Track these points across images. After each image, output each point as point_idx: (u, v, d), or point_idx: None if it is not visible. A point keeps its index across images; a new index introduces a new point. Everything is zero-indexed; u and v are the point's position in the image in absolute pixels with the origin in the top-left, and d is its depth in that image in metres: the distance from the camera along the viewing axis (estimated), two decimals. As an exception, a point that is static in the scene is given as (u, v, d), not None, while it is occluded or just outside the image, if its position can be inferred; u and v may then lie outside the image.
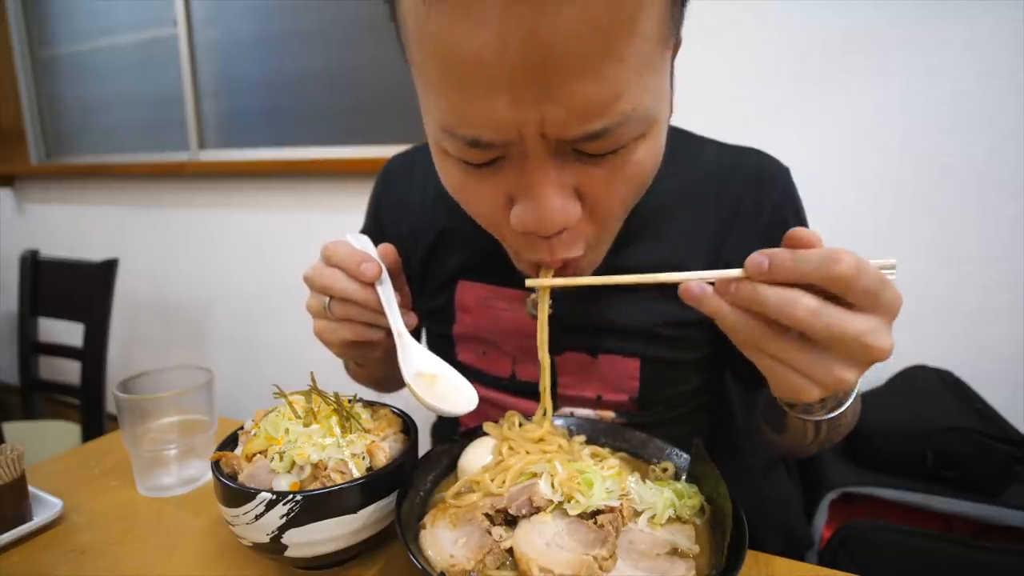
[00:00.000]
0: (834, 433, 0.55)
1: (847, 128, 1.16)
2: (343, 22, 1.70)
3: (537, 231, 0.43)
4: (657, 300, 0.61)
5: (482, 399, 0.69)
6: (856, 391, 0.49)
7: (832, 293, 0.35)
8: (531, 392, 0.66)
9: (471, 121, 0.39)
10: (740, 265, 0.38)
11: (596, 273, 0.59)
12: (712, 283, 0.39)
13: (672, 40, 0.42)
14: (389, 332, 0.53)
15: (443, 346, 0.71)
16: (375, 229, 0.75)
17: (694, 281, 0.39)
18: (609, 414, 0.64)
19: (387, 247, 0.55)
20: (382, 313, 0.52)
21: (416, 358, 0.52)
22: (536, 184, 0.41)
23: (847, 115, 1.16)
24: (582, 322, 0.62)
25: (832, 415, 0.49)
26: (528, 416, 0.56)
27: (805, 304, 0.35)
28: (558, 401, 0.66)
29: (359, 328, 0.53)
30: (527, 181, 0.41)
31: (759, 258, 0.36)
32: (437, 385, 0.51)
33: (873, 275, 0.35)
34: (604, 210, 0.45)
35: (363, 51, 1.70)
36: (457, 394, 0.51)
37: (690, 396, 0.66)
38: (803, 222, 0.64)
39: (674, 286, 0.61)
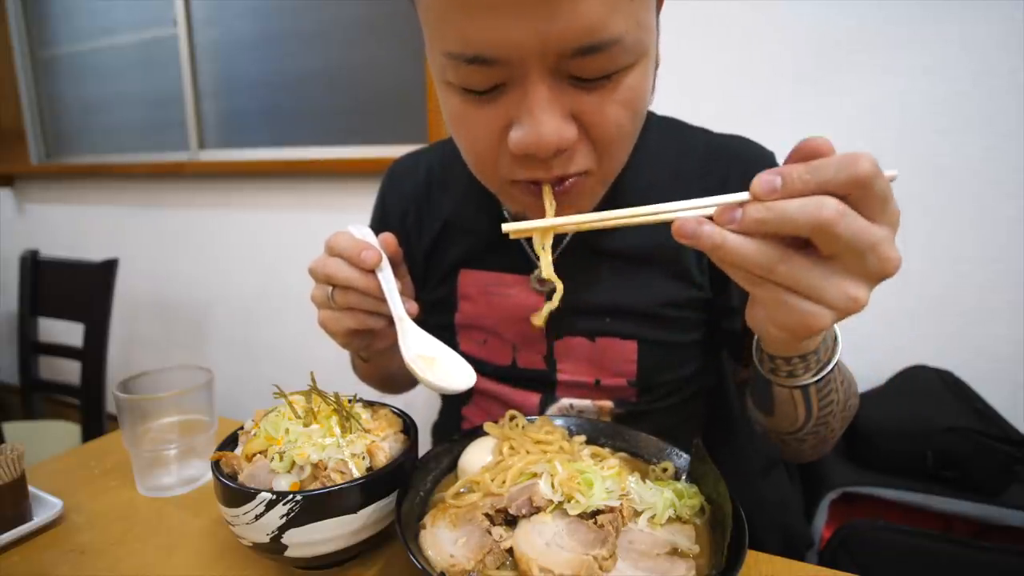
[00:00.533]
0: (828, 415, 0.54)
1: (842, 128, 1.16)
2: (343, 22, 1.70)
3: (535, 152, 0.45)
4: (653, 280, 0.62)
5: (483, 391, 0.70)
6: (838, 356, 0.49)
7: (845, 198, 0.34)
8: (532, 382, 0.67)
9: (473, 39, 0.42)
10: None
11: (584, 251, 0.59)
12: (709, 218, 0.36)
13: None
14: (391, 322, 0.54)
15: (445, 336, 0.71)
16: (381, 226, 0.76)
17: (688, 217, 0.36)
18: (607, 403, 0.65)
19: (388, 236, 0.57)
20: (383, 300, 0.53)
21: (415, 341, 0.53)
22: (534, 104, 0.43)
23: (842, 115, 1.16)
24: (580, 305, 0.62)
25: (818, 378, 0.49)
26: (529, 413, 0.56)
27: (833, 206, 0.33)
28: (557, 388, 0.66)
29: (361, 316, 0.55)
30: (526, 104, 0.44)
31: (769, 177, 0.34)
32: (436, 367, 0.52)
33: (886, 180, 0.34)
34: (601, 133, 0.47)
35: (363, 51, 1.69)
36: (456, 374, 0.52)
37: (687, 382, 0.66)
38: None
39: (672, 271, 0.61)
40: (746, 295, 0.43)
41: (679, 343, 0.64)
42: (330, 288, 0.54)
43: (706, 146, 0.65)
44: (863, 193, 0.34)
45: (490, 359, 0.69)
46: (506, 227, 0.43)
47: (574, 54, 0.41)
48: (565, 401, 0.66)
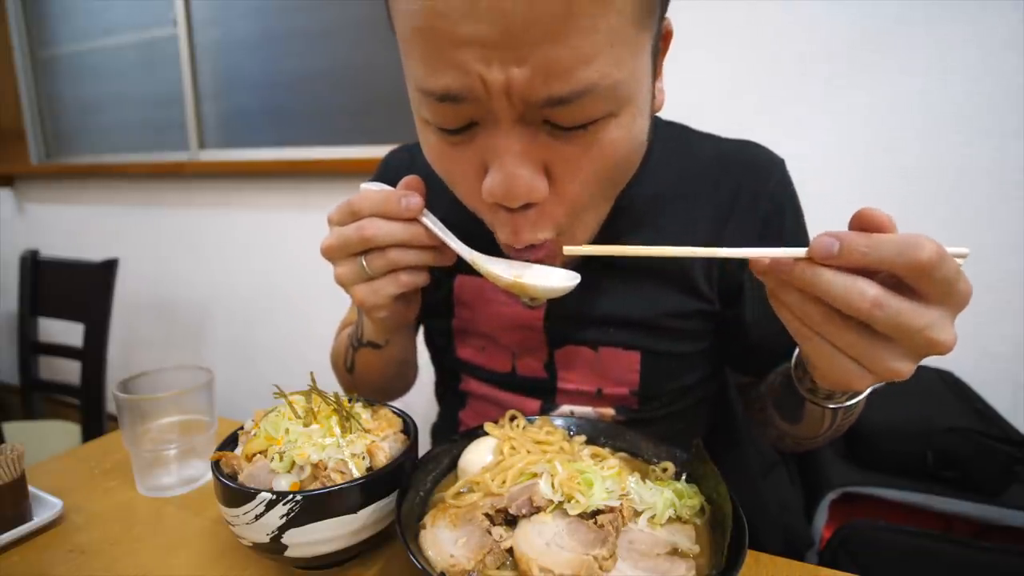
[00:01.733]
0: (847, 421, 0.55)
1: (854, 128, 1.16)
2: (344, 22, 1.70)
3: (503, 201, 0.43)
4: (658, 291, 0.61)
5: (483, 397, 0.70)
6: None
7: (900, 279, 0.34)
8: (532, 389, 0.66)
9: (441, 73, 0.39)
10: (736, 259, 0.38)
11: (588, 261, 0.58)
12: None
13: (651, 22, 0.41)
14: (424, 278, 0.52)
15: (443, 341, 0.71)
16: None
17: (762, 255, 0.37)
18: (609, 411, 0.64)
19: (414, 178, 0.51)
20: (430, 248, 0.50)
21: (500, 266, 0.50)
22: (503, 151, 0.41)
23: (852, 115, 1.16)
24: (583, 315, 0.62)
25: (853, 401, 0.49)
26: (530, 415, 0.56)
27: (871, 295, 0.33)
28: (558, 396, 0.65)
29: (403, 277, 0.50)
30: (497, 151, 0.42)
31: (827, 240, 0.34)
32: (531, 275, 0.49)
33: (952, 264, 0.33)
34: (572, 191, 0.44)
35: (364, 51, 1.70)
36: (554, 276, 0.50)
37: (690, 390, 0.66)
38: (799, 214, 0.64)
39: (679, 283, 0.61)
40: (760, 309, 0.43)
41: (684, 353, 0.63)
42: (361, 259, 0.49)
43: (714, 155, 0.63)
44: (924, 280, 0.33)
45: (489, 366, 0.68)
46: (567, 250, 0.44)
47: (543, 104, 0.39)
48: (566, 408, 0.65)
